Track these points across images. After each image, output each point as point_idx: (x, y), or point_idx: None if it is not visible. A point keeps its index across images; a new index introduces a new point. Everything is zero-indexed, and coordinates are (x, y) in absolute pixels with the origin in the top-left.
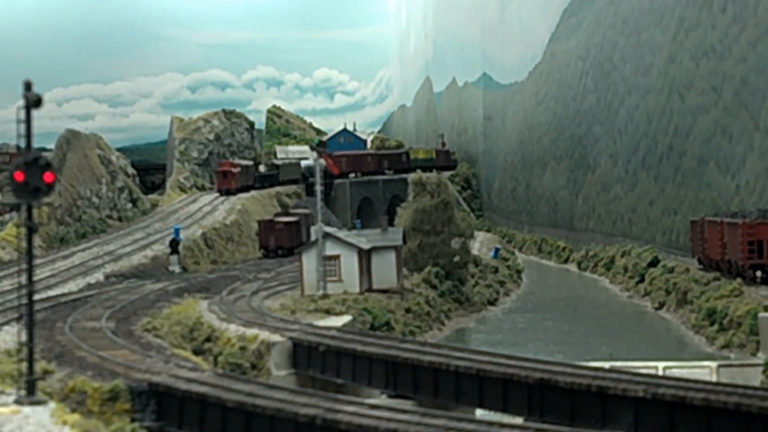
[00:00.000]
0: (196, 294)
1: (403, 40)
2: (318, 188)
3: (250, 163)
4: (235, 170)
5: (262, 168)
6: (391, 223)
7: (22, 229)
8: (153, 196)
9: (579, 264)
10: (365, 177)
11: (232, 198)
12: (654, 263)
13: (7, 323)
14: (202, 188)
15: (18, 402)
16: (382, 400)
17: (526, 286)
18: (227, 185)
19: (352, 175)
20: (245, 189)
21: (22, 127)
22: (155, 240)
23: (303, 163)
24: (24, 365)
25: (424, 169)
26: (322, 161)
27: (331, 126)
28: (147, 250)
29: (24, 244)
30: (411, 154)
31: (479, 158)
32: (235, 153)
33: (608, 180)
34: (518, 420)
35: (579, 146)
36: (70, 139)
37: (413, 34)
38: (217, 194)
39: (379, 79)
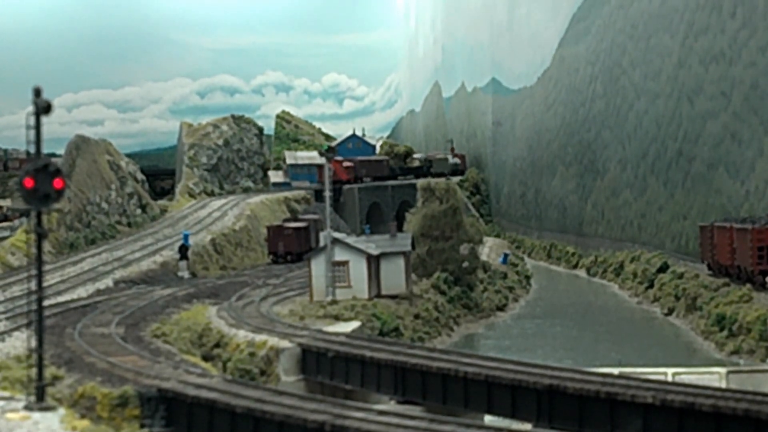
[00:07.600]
0: (205, 300)
1: (411, 44)
2: (327, 194)
3: (373, 158)
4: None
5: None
6: (400, 229)
7: (32, 235)
8: (162, 202)
9: (588, 269)
10: (374, 182)
11: (242, 203)
12: (663, 269)
13: (17, 329)
14: (211, 194)
15: (28, 408)
16: (391, 405)
17: (535, 292)
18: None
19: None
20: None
21: (32, 133)
22: (164, 246)
23: (450, 159)
24: (33, 371)
25: None
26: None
27: (340, 131)
28: (156, 256)
29: (34, 250)
30: None
31: (488, 163)
32: (243, 159)
33: (617, 185)
34: (527, 426)
35: (588, 151)
36: (80, 144)
37: (422, 38)
38: (225, 200)
39: (387, 84)
